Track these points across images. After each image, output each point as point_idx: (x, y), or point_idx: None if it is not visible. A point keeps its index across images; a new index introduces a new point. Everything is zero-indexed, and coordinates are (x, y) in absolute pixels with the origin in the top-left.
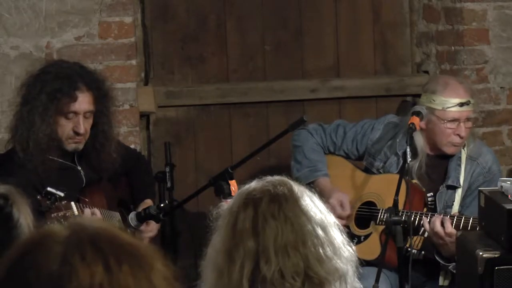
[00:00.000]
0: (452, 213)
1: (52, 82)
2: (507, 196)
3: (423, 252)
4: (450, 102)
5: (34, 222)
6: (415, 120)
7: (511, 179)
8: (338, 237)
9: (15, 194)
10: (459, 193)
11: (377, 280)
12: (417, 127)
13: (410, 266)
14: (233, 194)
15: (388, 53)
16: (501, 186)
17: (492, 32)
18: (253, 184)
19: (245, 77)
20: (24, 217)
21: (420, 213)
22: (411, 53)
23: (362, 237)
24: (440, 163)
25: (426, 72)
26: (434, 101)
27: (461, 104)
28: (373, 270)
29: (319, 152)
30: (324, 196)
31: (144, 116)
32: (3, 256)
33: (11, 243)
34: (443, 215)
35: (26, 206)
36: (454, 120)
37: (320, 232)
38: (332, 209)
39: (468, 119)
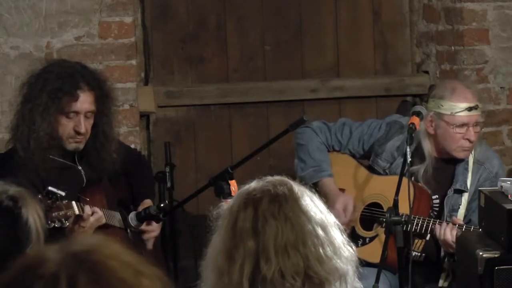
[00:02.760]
0: (458, 217)
1: (54, 81)
2: (507, 196)
3: (423, 255)
4: (459, 107)
5: (44, 225)
6: (415, 120)
7: (511, 179)
8: (338, 237)
9: (25, 196)
10: (465, 197)
11: (377, 280)
12: (417, 127)
13: (410, 268)
14: (233, 194)
15: (388, 53)
16: (501, 186)
17: (492, 32)
18: (253, 184)
19: (245, 77)
20: (33, 219)
21: (428, 220)
22: (411, 53)
23: (367, 239)
24: (447, 167)
25: (426, 72)
26: (442, 106)
27: (470, 109)
28: (373, 270)
29: (324, 151)
30: (329, 199)
31: (144, 116)
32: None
33: (18, 245)
34: (452, 223)
35: (37, 208)
36: (463, 124)
37: (320, 232)
38: (337, 215)
39: (476, 123)
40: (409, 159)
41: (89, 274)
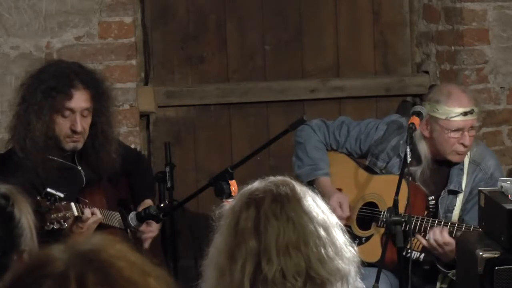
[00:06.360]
0: (452, 219)
1: (48, 81)
2: (507, 196)
3: (423, 254)
4: (454, 112)
5: (35, 222)
6: (415, 120)
7: (511, 179)
8: (340, 238)
9: (16, 194)
10: (460, 198)
11: (377, 280)
12: (417, 127)
13: (410, 268)
14: (233, 194)
15: (388, 53)
16: (501, 186)
17: (492, 32)
18: (256, 184)
19: (245, 77)
20: (25, 217)
21: (422, 218)
22: (411, 53)
23: (363, 239)
24: (443, 168)
25: (426, 72)
26: (437, 110)
27: (465, 113)
28: (373, 270)
29: (322, 149)
30: (324, 196)
31: (144, 116)
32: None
33: (12, 243)
34: (444, 223)
35: (28, 206)
36: (458, 129)
37: (322, 232)
38: (332, 211)
39: (472, 128)
40: (409, 159)
41: (98, 274)
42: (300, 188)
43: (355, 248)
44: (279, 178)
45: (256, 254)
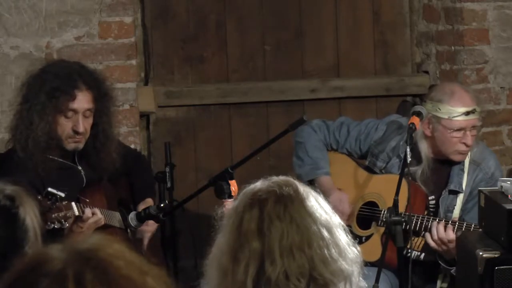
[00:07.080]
0: (453, 218)
1: (51, 81)
2: (507, 196)
3: (423, 254)
4: (456, 111)
5: (41, 224)
6: (415, 120)
7: (511, 179)
8: (343, 238)
9: (22, 195)
10: (460, 198)
11: (377, 280)
12: (417, 127)
13: (410, 267)
14: (233, 194)
15: (388, 53)
16: (501, 186)
17: (492, 32)
18: (259, 184)
19: (245, 77)
20: (30, 218)
21: (422, 217)
22: (411, 53)
23: (363, 238)
24: (443, 168)
25: (426, 72)
26: (440, 109)
27: (467, 113)
28: (373, 270)
29: (322, 149)
30: (324, 195)
31: (144, 116)
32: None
33: (16, 244)
34: (445, 221)
35: (34, 208)
36: (460, 129)
37: (325, 233)
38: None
39: (473, 127)
40: (409, 159)
41: (96, 272)
42: (303, 189)
43: (358, 248)
44: (282, 178)
45: (259, 255)
